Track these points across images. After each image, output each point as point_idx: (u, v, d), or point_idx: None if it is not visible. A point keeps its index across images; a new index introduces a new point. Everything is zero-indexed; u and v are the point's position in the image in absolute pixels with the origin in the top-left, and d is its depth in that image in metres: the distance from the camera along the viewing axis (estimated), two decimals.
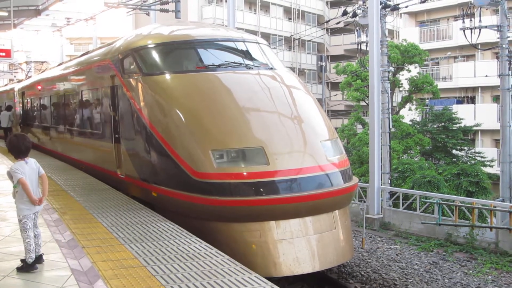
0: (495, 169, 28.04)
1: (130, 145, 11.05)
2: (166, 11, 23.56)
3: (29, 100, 24.05)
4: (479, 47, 23.11)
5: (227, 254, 6.67)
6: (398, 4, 22.76)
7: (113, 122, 11.83)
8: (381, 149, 18.88)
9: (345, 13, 22.82)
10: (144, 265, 6.13)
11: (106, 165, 12.40)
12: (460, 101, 39.14)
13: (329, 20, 34.61)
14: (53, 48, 44.11)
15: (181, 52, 11.12)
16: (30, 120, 23.39)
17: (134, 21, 44.64)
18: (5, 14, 22.99)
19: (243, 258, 7.84)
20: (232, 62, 10.81)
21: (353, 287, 11.25)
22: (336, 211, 9.51)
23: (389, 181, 20.87)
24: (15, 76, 44.98)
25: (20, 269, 5.83)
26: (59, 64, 21.41)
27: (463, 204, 15.46)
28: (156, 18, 25.53)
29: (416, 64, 32.68)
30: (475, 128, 33.18)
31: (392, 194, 18.51)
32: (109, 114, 12.13)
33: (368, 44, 20.50)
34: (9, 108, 24.09)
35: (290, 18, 50.90)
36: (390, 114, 22.41)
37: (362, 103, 33.37)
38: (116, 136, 11.63)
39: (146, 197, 10.26)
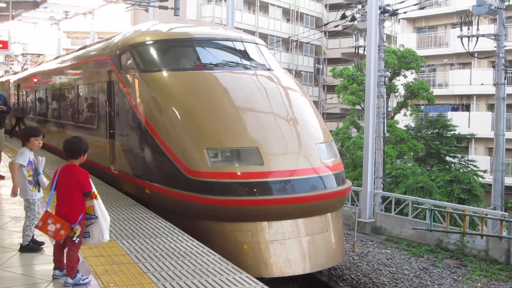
0: (487, 177, 28.14)
1: (124, 141, 11.03)
2: (165, 8, 23.56)
3: (24, 93, 23.98)
4: (476, 55, 23.20)
5: (218, 253, 6.68)
6: (397, 10, 22.83)
7: (108, 118, 11.81)
8: (375, 154, 18.93)
9: (343, 16, 22.86)
10: (135, 261, 6.13)
11: (100, 160, 12.38)
12: (455, 108, 39.26)
13: (327, 23, 34.61)
14: (50, 41, 43.96)
15: (179, 50, 11.11)
16: (25, 113, 23.32)
17: (133, 17, 44.56)
18: (4, 5, 22.91)
19: (235, 257, 7.83)
20: (229, 62, 10.81)
21: None
22: (329, 213, 9.52)
23: (382, 185, 20.92)
24: (10, 68, 44.79)
25: (27, 249, 6.14)
26: (56, 57, 21.36)
27: (455, 211, 15.51)
28: (155, 15, 25.51)
29: (413, 70, 32.78)
30: (469, 136, 33.30)
31: (384, 198, 18.56)
32: (104, 109, 12.11)
33: (365, 48, 20.54)
34: None
35: (288, 20, 50.94)
36: (385, 119, 22.50)
37: (358, 107, 33.43)
38: (111, 131, 11.60)
39: (139, 194, 10.25)
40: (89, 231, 5.22)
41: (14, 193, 6.02)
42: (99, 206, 5.20)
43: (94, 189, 5.22)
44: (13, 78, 27.46)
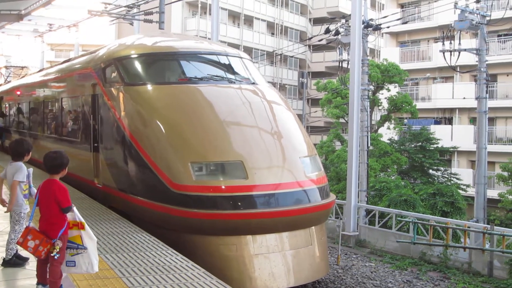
0: (470, 191, 28.37)
1: (108, 155, 10.99)
2: (150, 21, 23.55)
3: (7, 105, 23.81)
4: (458, 69, 23.49)
5: (203, 267, 6.67)
6: (380, 24, 23.09)
7: (92, 131, 11.78)
8: (358, 167, 19.02)
9: (327, 30, 23.05)
10: (119, 276, 6.10)
11: (84, 174, 12.31)
12: (437, 122, 39.60)
13: (311, 37, 34.86)
14: (34, 54, 43.75)
15: (164, 64, 11.14)
16: (8, 126, 23.13)
17: (117, 30, 44.57)
18: None
19: (219, 271, 7.83)
20: (214, 76, 10.87)
21: None
22: (313, 227, 9.56)
23: (366, 198, 21.00)
24: None
25: (10, 264, 6.13)
26: (40, 70, 21.26)
27: (438, 224, 15.62)
28: (140, 29, 25.51)
29: (396, 84, 33.05)
30: (452, 149, 33.60)
31: (368, 211, 18.62)
32: (88, 123, 12.07)
33: (349, 62, 20.71)
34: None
35: (273, 33, 51.21)
36: (369, 132, 22.64)
37: (341, 120, 33.61)
38: (95, 145, 11.56)
39: (123, 207, 10.20)
40: (74, 260, 5.12)
41: (9, 210, 6.04)
42: (88, 235, 5.11)
43: (81, 219, 5.13)
44: None
